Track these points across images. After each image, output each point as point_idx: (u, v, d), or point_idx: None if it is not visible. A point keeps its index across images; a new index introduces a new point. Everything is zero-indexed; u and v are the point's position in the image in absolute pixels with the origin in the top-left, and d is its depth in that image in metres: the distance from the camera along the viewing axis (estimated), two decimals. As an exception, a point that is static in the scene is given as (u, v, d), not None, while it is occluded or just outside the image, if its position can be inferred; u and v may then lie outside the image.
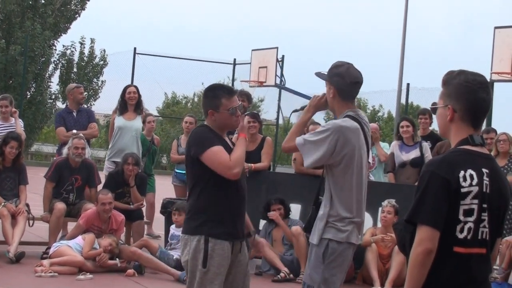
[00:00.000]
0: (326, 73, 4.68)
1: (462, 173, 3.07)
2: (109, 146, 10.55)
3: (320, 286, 4.52)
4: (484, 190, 3.10)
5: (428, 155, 9.68)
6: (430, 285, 3.07)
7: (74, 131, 10.04)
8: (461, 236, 3.07)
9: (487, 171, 3.14)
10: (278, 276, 8.87)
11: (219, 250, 4.49)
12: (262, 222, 9.65)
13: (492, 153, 9.54)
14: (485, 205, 3.11)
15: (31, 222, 9.08)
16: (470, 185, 3.07)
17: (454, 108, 3.18)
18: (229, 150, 4.64)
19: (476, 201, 3.08)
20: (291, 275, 8.92)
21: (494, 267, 9.20)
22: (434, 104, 3.36)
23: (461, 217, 3.06)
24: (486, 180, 3.12)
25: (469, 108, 3.17)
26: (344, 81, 4.60)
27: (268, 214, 9.27)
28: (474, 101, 3.17)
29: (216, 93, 4.70)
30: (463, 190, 3.06)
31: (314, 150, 4.51)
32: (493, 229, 3.16)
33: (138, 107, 10.57)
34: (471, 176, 3.08)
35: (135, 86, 10.86)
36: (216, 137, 4.67)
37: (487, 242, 3.14)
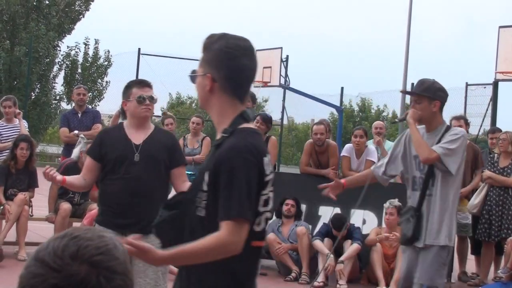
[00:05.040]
0: (420, 89, 5.12)
1: (266, 159, 2.73)
2: None
3: None
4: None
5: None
6: (225, 281, 2.73)
7: (76, 132, 10.08)
8: (258, 229, 2.74)
9: (267, 151, 2.83)
10: (290, 276, 8.89)
11: None
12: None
13: (496, 152, 9.54)
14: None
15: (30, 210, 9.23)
16: (270, 172, 2.77)
17: (214, 77, 2.79)
18: (121, 149, 4.92)
19: (272, 188, 2.79)
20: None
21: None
22: (193, 72, 2.93)
23: (261, 208, 2.73)
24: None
25: (231, 77, 2.79)
26: (446, 95, 5.16)
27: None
28: (236, 68, 2.77)
29: (129, 84, 5.02)
30: (266, 178, 2.74)
31: (456, 157, 4.99)
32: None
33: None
34: (268, 162, 2.76)
35: None
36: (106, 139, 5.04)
37: (265, 232, 2.86)
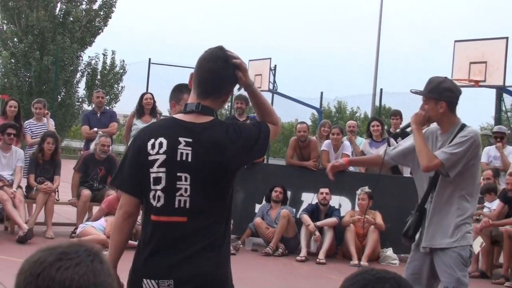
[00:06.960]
0: (426, 90, 4.11)
1: (152, 141, 2.69)
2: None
3: None
4: (179, 158, 2.65)
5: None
6: (136, 248, 2.80)
7: (95, 129, 10.13)
8: (155, 204, 2.66)
9: (188, 140, 2.67)
10: (277, 252, 8.92)
11: None
12: (258, 206, 9.67)
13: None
14: (181, 174, 2.64)
15: (56, 195, 9.22)
16: (157, 153, 2.66)
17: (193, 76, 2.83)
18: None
19: (163, 169, 2.65)
20: (287, 251, 9.01)
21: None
22: None
23: (151, 185, 2.67)
24: (185, 149, 2.66)
25: (196, 77, 2.79)
26: (455, 95, 4.11)
27: None
28: (197, 68, 2.79)
29: (181, 89, 4.88)
30: (150, 158, 2.67)
31: (459, 161, 3.99)
32: (200, 195, 2.66)
33: (153, 111, 10.45)
34: (160, 144, 2.67)
35: (151, 93, 10.72)
36: None
37: (187, 210, 2.64)
